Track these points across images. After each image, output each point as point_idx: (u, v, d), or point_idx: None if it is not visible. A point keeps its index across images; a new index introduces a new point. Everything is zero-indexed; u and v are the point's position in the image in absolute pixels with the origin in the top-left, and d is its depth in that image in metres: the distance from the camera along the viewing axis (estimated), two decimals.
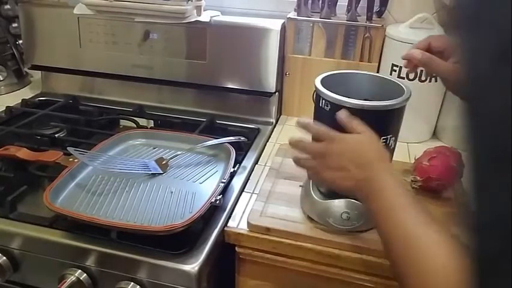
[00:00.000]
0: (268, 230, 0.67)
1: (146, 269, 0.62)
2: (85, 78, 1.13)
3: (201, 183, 0.78)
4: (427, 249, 0.42)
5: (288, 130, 1.02)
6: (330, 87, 0.60)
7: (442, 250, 0.40)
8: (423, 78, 0.89)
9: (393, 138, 0.60)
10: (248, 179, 0.81)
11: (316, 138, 0.59)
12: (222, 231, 0.68)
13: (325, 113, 0.60)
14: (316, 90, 0.61)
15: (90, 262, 0.65)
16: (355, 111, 0.58)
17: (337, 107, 0.58)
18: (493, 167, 0.21)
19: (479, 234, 0.23)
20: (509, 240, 0.20)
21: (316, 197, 0.67)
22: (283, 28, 0.98)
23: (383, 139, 0.59)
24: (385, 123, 0.59)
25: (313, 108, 0.65)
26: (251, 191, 0.77)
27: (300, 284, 0.70)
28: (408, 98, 0.60)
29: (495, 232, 0.21)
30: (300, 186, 0.74)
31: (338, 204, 0.64)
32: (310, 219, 0.67)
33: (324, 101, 0.60)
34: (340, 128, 0.58)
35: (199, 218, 0.63)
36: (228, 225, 0.69)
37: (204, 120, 1.00)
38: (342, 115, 0.56)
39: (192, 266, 0.61)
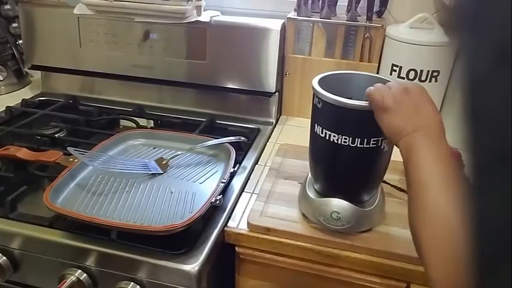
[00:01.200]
0: (268, 230, 0.67)
1: (146, 269, 0.62)
2: (85, 78, 1.13)
3: (201, 183, 0.78)
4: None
5: (288, 130, 1.02)
6: (331, 87, 0.60)
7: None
8: (423, 78, 0.89)
9: (385, 140, 0.59)
10: (248, 179, 0.81)
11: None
12: (222, 231, 0.68)
13: (321, 112, 0.61)
14: (313, 90, 0.61)
15: (90, 262, 0.65)
16: (348, 111, 0.57)
17: (331, 106, 0.58)
18: (493, 167, 0.21)
19: (479, 234, 0.23)
20: (509, 240, 0.20)
21: (310, 195, 0.67)
22: (283, 28, 0.98)
23: (373, 141, 0.59)
24: (373, 124, 0.58)
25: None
26: (251, 191, 0.77)
27: (300, 284, 0.70)
28: None
29: (495, 232, 0.21)
30: (299, 183, 0.74)
31: (328, 203, 0.64)
32: (307, 218, 0.68)
33: (317, 99, 0.60)
34: (338, 126, 0.59)
35: (199, 218, 0.63)
36: (228, 225, 0.69)
37: (204, 120, 1.00)
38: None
39: (192, 266, 0.61)
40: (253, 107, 1.04)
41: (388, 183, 0.75)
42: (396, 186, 0.76)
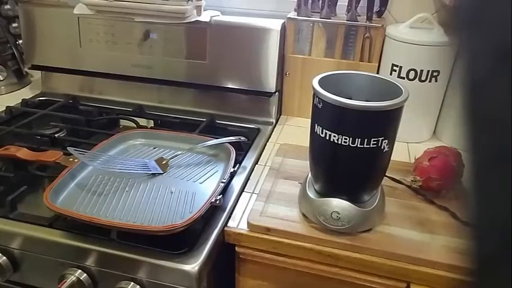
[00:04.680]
0: (268, 230, 0.67)
1: (146, 269, 0.62)
2: (85, 78, 1.13)
3: (201, 183, 0.78)
4: None
5: (288, 130, 1.02)
6: (331, 87, 0.60)
7: None
8: (423, 78, 0.89)
9: (385, 141, 0.59)
10: (248, 179, 0.81)
11: None
12: (222, 231, 0.68)
13: (321, 112, 0.61)
14: (313, 90, 0.61)
15: (90, 262, 0.65)
16: (348, 111, 0.57)
17: (331, 106, 0.58)
18: (493, 167, 0.21)
19: (478, 234, 0.23)
20: (509, 240, 0.20)
21: (310, 195, 0.67)
22: (283, 28, 0.98)
23: (373, 141, 0.59)
24: (373, 124, 0.58)
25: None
26: (251, 191, 0.77)
27: (300, 284, 0.70)
28: (399, 102, 0.58)
29: (495, 232, 0.21)
30: (299, 183, 0.74)
31: (328, 203, 0.64)
32: (307, 218, 0.68)
33: (318, 99, 0.61)
34: (338, 126, 0.59)
35: (199, 218, 0.63)
36: (228, 225, 0.69)
37: (204, 120, 1.00)
38: None
39: (192, 266, 0.61)
40: (253, 107, 1.04)
41: (389, 177, 0.75)
42: (396, 179, 0.76)
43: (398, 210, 0.71)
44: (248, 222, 0.68)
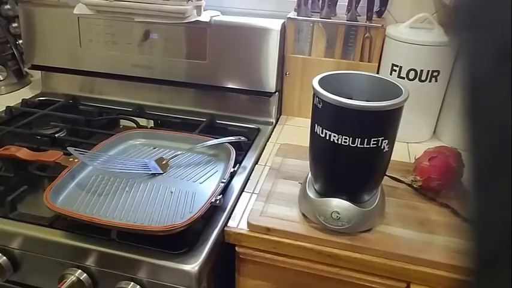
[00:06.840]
0: (268, 230, 0.67)
1: (146, 269, 0.62)
2: (85, 78, 1.13)
3: (201, 183, 0.78)
4: None
5: (288, 130, 1.02)
6: (331, 87, 0.60)
7: None
8: (423, 78, 0.89)
9: (385, 141, 0.59)
10: (248, 179, 0.81)
11: None
12: (222, 231, 0.68)
13: (321, 112, 0.61)
14: (314, 90, 0.61)
15: (90, 262, 0.65)
16: (348, 111, 0.57)
17: (331, 106, 0.58)
18: (493, 167, 0.21)
19: (479, 234, 0.23)
20: (509, 240, 0.20)
21: (310, 195, 0.67)
22: (283, 28, 0.98)
23: (373, 141, 0.58)
24: (373, 124, 0.58)
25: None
26: (251, 191, 0.77)
27: (300, 284, 0.70)
28: (399, 102, 0.58)
29: (495, 232, 0.21)
30: (299, 183, 0.74)
31: (328, 203, 0.64)
32: (307, 218, 0.68)
33: (318, 99, 0.61)
34: (338, 126, 0.59)
35: (199, 218, 0.63)
36: (228, 225, 0.69)
37: (204, 120, 1.00)
38: None
39: (192, 266, 0.61)
40: (253, 107, 1.04)
41: (390, 176, 0.75)
42: (396, 178, 0.76)
43: (399, 210, 0.71)
44: (248, 222, 0.68)
